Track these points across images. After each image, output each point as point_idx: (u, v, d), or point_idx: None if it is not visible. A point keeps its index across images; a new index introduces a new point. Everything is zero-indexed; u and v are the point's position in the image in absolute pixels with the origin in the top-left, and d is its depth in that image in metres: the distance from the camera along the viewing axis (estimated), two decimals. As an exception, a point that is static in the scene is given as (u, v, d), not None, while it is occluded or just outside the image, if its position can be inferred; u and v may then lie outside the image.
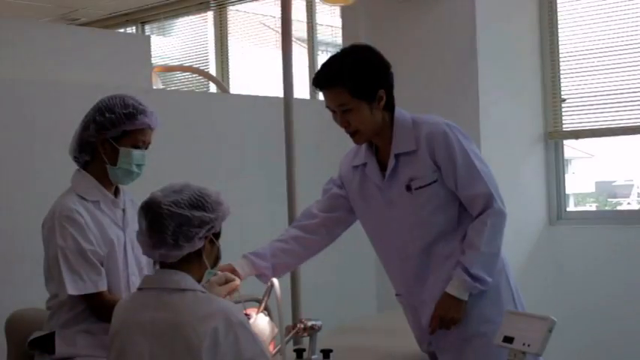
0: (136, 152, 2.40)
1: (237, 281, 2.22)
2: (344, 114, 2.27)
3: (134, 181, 2.48)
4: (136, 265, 2.47)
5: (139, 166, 2.42)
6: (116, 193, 2.49)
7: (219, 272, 2.17)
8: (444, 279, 2.31)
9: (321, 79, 2.29)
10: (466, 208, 2.32)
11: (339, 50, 2.39)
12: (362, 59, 2.29)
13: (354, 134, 2.32)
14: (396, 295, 2.49)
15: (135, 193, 2.51)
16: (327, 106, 2.31)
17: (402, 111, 2.36)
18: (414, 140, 2.29)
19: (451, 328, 2.29)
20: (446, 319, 2.27)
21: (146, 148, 2.45)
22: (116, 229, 2.43)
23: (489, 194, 2.27)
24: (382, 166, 2.37)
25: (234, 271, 2.29)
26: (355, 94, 2.24)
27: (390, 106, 2.33)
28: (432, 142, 2.27)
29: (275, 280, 2.22)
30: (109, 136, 2.38)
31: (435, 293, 2.32)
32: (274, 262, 2.41)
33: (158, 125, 2.46)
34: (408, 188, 2.30)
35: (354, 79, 2.24)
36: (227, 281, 2.22)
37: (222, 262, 2.04)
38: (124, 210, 2.47)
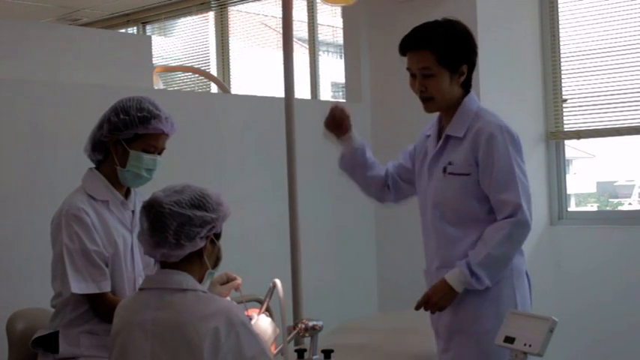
0: (147, 157, 2.39)
1: (239, 280, 2.23)
2: (424, 79, 2.32)
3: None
4: (143, 266, 2.48)
5: (148, 170, 2.41)
6: (127, 193, 2.49)
7: (229, 272, 2.20)
8: (447, 262, 2.34)
9: (411, 40, 2.34)
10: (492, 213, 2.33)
11: (432, 20, 2.44)
12: (455, 30, 2.35)
13: (426, 100, 2.35)
14: (424, 270, 2.53)
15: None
16: (408, 69, 2.36)
17: (474, 97, 2.39)
18: (466, 129, 2.32)
19: (434, 312, 2.32)
20: (432, 301, 2.29)
21: (159, 154, 2.44)
22: (123, 230, 2.43)
23: (518, 204, 2.26)
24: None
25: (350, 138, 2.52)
26: (441, 61, 2.29)
27: (467, 86, 2.37)
28: (478, 139, 2.30)
29: (277, 281, 2.22)
30: (122, 137, 2.38)
31: (441, 273, 2.34)
32: (363, 154, 2.56)
33: (174, 132, 2.45)
34: (444, 170, 2.35)
35: (445, 45, 2.29)
36: (228, 280, 2.22)
37: (224, 262, 2.03)
38: (133, 211, 2.47)
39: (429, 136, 2.49)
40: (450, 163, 2.34)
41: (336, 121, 2.52)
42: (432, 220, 2.40)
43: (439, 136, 2.42)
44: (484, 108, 2.39)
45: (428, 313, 2.38)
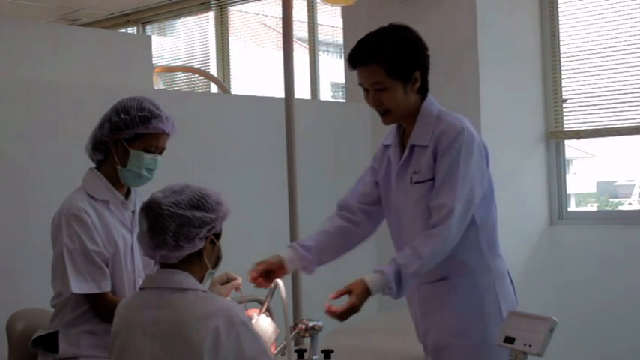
0: (147, 156, 2.40)
1: (239, 280, 2.22)
2: (377, 92, 2.22)
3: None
4: (143, 266, 2.48)
5: (149, 170, 2.42)
6: (128, 194, 2.49)
7: (230, 272, 2.19)
8: (424, 279, 2.26)
9: (357, 55, 2.23)
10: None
11: (378, 28, 2.31)
12: (401, 38, 2.24)
13: (384, 114, 2.27)
14: None
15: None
16: (360, 84, 2.27)
17: (433, 100, 2.31)
18: (431, 135, 2.23)
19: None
20: (357, 310, 2.12)
21: (160, 154, 2.44)
22: (123, 231, 2.43)
23: (452, 209, 2.12)
24: (404, 152, 2.33)
25: (282, 265, 2.30)
26: (391, 73, 2.19)
27: (423, 90, 2.29)
28: (439, 140, 2.21)
29: (279, 280, 2.22)
30: (122, 137, 2.38)
31: (422, 291, 2.31)
32: (319, 255, 2.39)
33: (175, 132, 2.45)
34: (411, 181, 2.26)
35: (392, 57, 2.19)
36: (228, 280, 2.22)
37: (224, 262, 2.03)
38: (133, 212, 2.47)
39: (387, 146, 2.39)
40: (415, 173, 2.25)
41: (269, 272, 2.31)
42: (409, 234, 2.27)
43: (402, 145, 2.32)
44: (445, 109, 2.30)
45: (427, 315, 2.35)
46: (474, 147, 2.20)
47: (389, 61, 2.19)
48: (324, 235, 2.42)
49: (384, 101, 2.24)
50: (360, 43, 2.25)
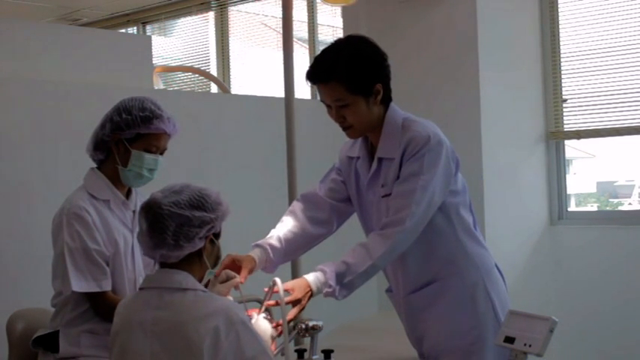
0: (148, 156, 2.40)
1: (238, 279, 2.22)
2: (339, 109, 2.18)
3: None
4: (144, 265, 2.48)
5: (150, 170, 2.42)
6: (128, 193, 2.50)
7: (229, 271, 2.18)
8: (413, 286, 2.27)
9: (315, 73, 2.19)
10: (434, 221, 2.20)
11: (332, 42, 2.28)
12: (358, 52, 2.18)
13: (347, 128, 2.23)
14: (386, 291, 2.46)
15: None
16: (322, 101, 2.23)
17: (396, 109, 2.25)
18: (397, 147, 2.19)
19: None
20: (304, 307, 2.11)
21: (161, 154, 2.45)
22: (124, 230, 2.44)
23: (409, 212, 2.10)
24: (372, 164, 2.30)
25: (255, 266, 2.26)
26: (352, 89, 2.14)
27: (386, 99, 2.24)
28: (407, 148, 2.17)
29: (278, 280, 2.21)
30: (123, 137, 2.39)
31: (410, 300, 2.30)
32: (284, 257, 2.37)
33: (176, 132, 2.45)
34: (379, 194, 2.24)
35: (350, 73, 2.13)
36: (228, 279, 2.22)
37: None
38: (134, 211, 2.47)
39: (353, 158, 2.35)
40: (382, 186, 2.22)
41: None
42: None
43: (371, 157, 2.27)
44: (409, 117, 2.25)
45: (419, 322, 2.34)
46: (440, 154, 2.16)
47: (348, 77, 2.14)
48: (292, 236, 2.38)
49: (347, 117, 2.19)
50: (318, 59, 2.21)
